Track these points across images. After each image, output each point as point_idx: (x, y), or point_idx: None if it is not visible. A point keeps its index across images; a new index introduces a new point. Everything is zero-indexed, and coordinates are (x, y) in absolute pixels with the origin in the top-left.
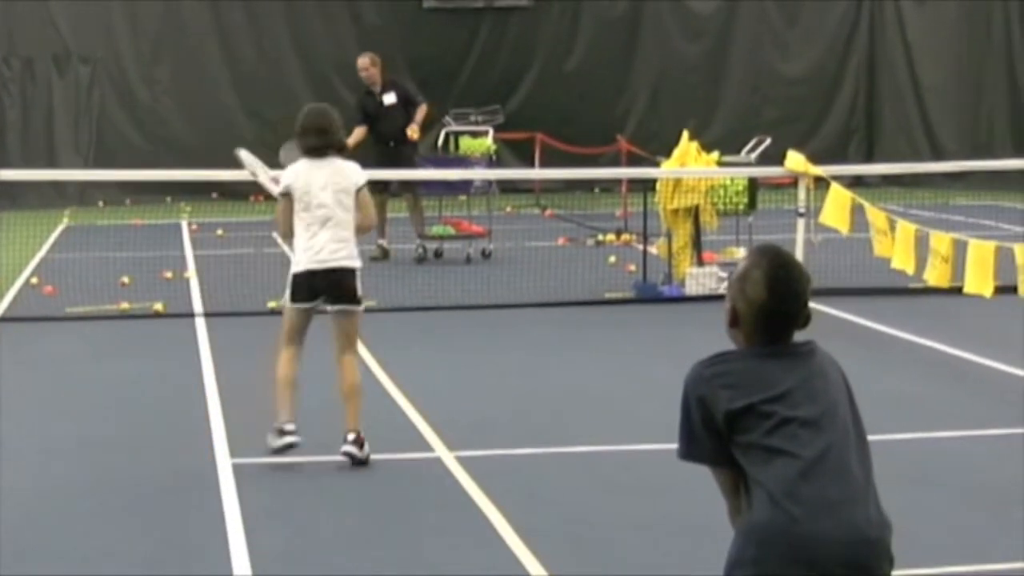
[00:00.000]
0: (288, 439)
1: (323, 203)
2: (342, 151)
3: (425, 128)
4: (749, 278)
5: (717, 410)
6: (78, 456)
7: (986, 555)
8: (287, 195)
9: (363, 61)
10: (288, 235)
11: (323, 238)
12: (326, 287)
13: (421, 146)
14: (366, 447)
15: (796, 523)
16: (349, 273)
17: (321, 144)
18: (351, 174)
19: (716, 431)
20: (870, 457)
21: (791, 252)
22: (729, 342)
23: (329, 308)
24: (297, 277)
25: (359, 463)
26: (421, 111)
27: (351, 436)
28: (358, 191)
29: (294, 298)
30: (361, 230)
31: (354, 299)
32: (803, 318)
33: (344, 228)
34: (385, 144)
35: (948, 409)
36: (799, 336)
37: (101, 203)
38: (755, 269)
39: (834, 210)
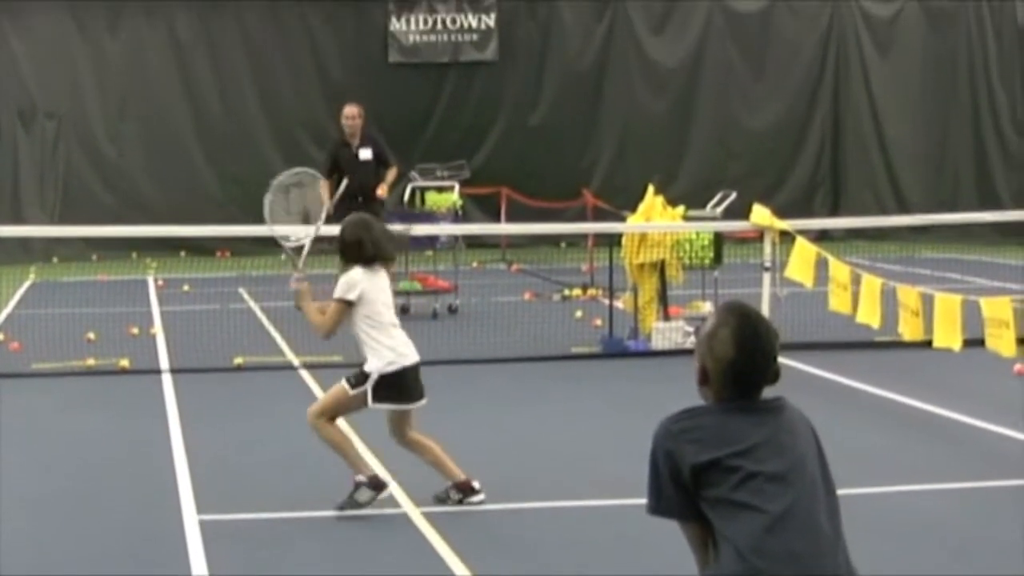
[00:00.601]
0: (385, 492)
1: (387, 306)
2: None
3: (392, 186)
4: (717, 336)
5: (684, 464)
6: (42, 512)
7: None
8: (349, 303)
9: (352, 110)
10: (331, 334)
11: (400, 335)
12: (418, 385)
13: (387, 201)
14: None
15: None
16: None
17: (382, 256)
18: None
19: (683, 486)
20: (839, 512)
21: (757, 308)
22: (698, 398)
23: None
24: (392, 378)
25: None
26: (392, 172)
27: (476, 484)
28: None
29: (393, 399)
30: None
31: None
32: (772, 374)
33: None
34: (353, 198)
35: (915, 462)
36: (769, 391)
37: (55, 259)
38: (723, 327)
39: (799, 264)
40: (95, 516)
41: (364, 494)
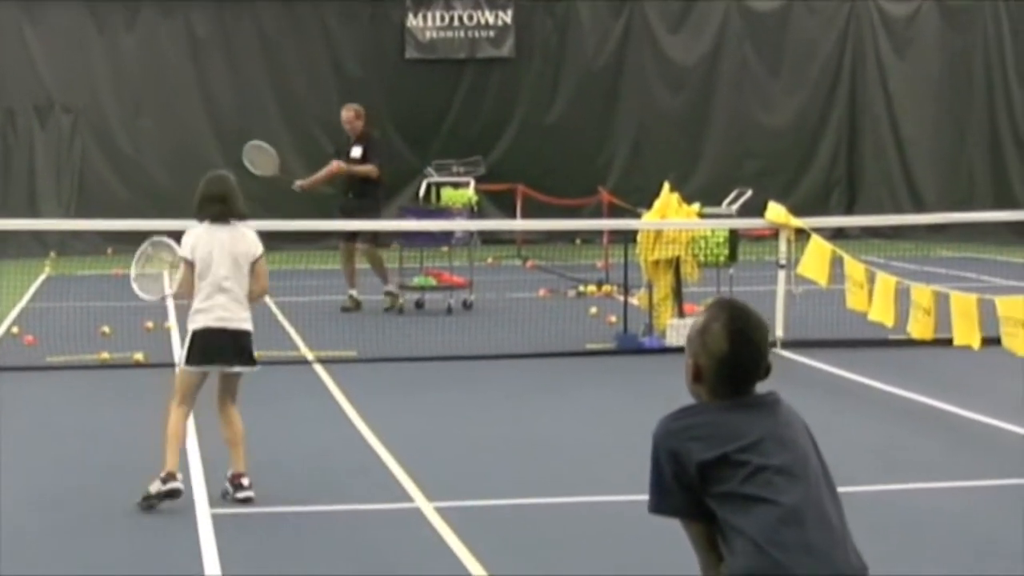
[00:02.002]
0: (172, 484)
1: (221, 271)
2: (243, 218)
3: (406, 179)
4: (709, 331)
5: (689, 462)
6: (56, 506)
7: None
8: (190, 264)
9: (347, 114)
10: (186, 296)
11: (219, 301)
12: (223, 348)
13: (403, 197)
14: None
15: (781, 568)
16: (245, 335)
17: (223, 211)
18: (250, 242)
19: (688, 484)
20: (841, 505)
21: (747, 303)
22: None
23: (227, 369)
24: (195, 335)
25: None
26: (364, 167)
27: (246, 481)
28: (255, 261)
29: (189, 360)
30: (253, 297)
31: (251, 360)
32: (764, 369)
33: (239, 293)
34: (344, 195)
35: (928, 460)
36: (762, 387)
37: (52, 254)
38: (714, 322)
39: (813, 262)
40: (107, 510)
41: (154, 485)
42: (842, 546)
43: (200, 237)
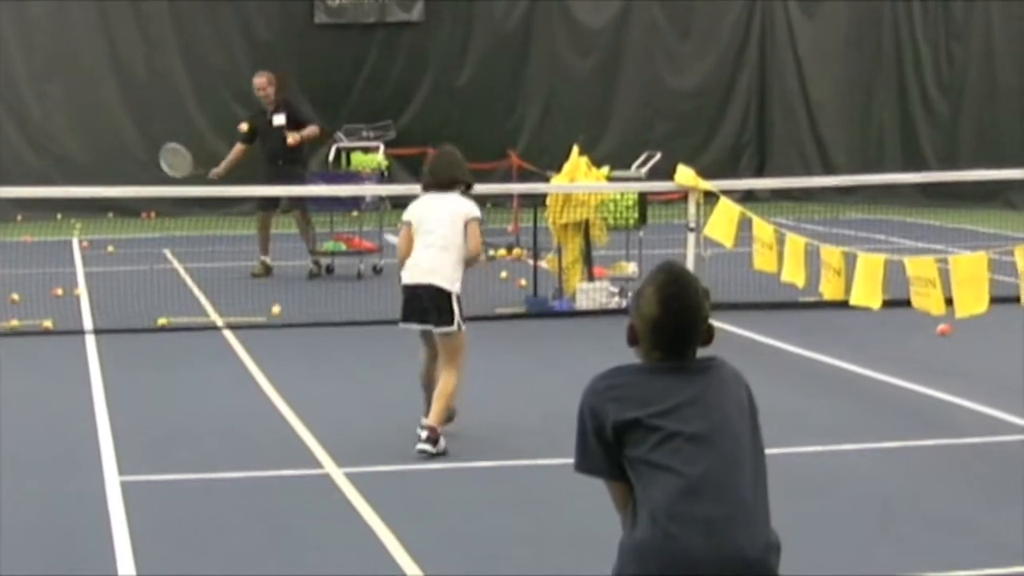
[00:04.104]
0: (420, 446)
1: (432, 229)
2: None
3: (316, 145)
4: (643, 294)
5: (607, 422)
6: None
7: (870, 566)
8: (407, 224)
9: (260, 80)
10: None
11: (425, 255)
12: (420, 306)
13: (312, 162)
14: (441, 442)
15: (673, 541)
16: (443, 294)
17: (441, 183)
18: (466, 206)
19: (607, 444)
20: (765, 474)
21: (686, 268)
22: (626, 358)
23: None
24: (403, 291)
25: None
26: (309, 129)
27: (423, 434)
28: (467, 223)
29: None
30: (468, 261)
31: (449, 319)
32: (702, 334)
33: (449, 253)
34: (273, 163)
35: (838, 422)
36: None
37: None
38: (648, 285)
39: (720, 223)
40: (16, 477)
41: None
42: (746, 520)
43: (420, 202)
